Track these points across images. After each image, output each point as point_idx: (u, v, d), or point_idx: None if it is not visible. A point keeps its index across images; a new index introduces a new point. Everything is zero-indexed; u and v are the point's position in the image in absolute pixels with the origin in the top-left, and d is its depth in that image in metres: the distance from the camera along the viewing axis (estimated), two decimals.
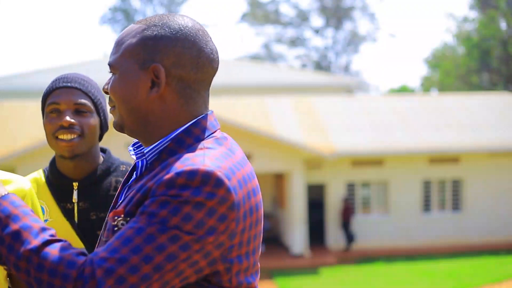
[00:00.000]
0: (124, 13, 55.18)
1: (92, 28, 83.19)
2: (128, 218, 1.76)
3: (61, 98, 2.69)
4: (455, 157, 23.29)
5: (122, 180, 2.71)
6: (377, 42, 66.88)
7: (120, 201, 1.91)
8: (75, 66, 32.02)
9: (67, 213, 2.75)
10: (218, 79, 30.54)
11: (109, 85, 1.88)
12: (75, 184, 2.76)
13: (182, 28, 1.84)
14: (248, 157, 20.86)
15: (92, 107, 2.72)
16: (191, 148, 1.80)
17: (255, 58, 52.68)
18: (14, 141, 21.28)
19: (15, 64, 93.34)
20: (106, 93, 1.91)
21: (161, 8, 55.76)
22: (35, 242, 1.71)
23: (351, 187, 23.32)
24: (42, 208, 2.77)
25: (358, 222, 23.11)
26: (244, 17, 55.51)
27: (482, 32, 41.11)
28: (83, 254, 1.73)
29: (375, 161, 22.97)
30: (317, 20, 66.37)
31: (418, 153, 22.66)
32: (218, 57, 1.91)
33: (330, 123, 23.88)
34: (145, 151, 1.86)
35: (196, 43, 1.84)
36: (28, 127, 22.03)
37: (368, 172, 23.11)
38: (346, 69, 54.29)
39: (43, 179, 2.84)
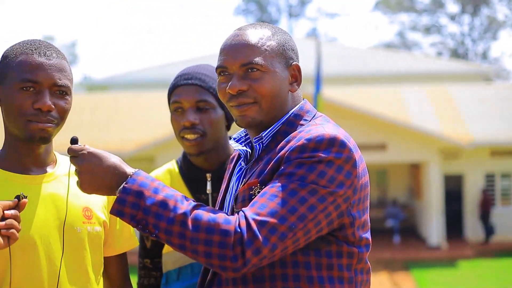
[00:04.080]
0: (257, 4, 55.70)
1: (227, 19, 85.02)
2: (263, 186, 2.00)
3: (183, 97, 2.73)
4: None
5: None
6: None
7: (240, 181, 2.16)
8: (208, 57, 32.66)
9: None
10: (352, 68, 30.33)
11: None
12: (208, 176, 2.79)
13: (289, 32, 2.09)
14: (383, 146, 20.67)
15: (214, 102, 2.74)
16: (304, 126, 2.09)
17: (389, 46, 51.95)
18: (153, 131, 21.91)
19: (154, 56, 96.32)
20: (241, 91, 2.08)
21: None
22: (185, 207, 1.91)
23: (490, 177, 22.65)
24: None
25: (498, 214, 22.40)
26: (378, 5, 54.86)
27: None
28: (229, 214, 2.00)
29: None
30: (452, 7, 64.70)
31: None
32: None
33: (467, 112, 23.27)
34: (263, 135, 2.12)
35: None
36: (167, 116, 22.60)
37: (508, 162, 22.37)
38: (484, 56, 52.64)
39: (177, 170, 2.88)
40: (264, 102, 2.09)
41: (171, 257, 2.76)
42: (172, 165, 2.91)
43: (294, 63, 2.15)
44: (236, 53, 2.09)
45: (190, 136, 2.72)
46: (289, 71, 2.14)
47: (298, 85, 2.17)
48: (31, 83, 2.17)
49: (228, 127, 2.84)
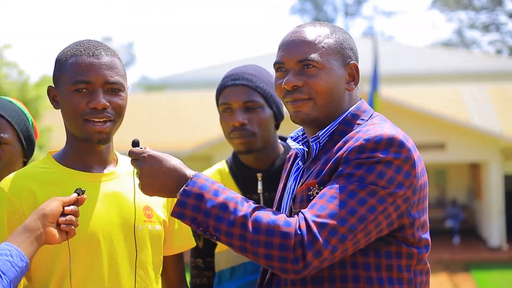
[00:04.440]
0: (313, 3, 55.55)
1: (283, 19, 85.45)
2: (321, 187, 1.99)
3: (231, 98, 2.75)
4: None
5: None
6: None
7: (297, 181, 2.15)
8: (264, 57, 32.62)
9: None
10: (410, 67, 30.03)
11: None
12: (259, 175, 2.80)
13: (348, 31, 2.15)
14: (442, 146, 20.41)
15: (262, 101, 2.75)
16: (361, 126, 2.08)
17: (447, 44, 51.29)
18: (210, 130, 21.99)
19: (212, 56, 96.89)
20: (296, 87, 2.08)
21: None
22: (245, 209, 1.92)
23: None
24: None
25: None
26: (435, 3, 54.21)
27: None
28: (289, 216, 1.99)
29: None
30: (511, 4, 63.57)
31: None
32: None
33: None
34: (319, 134, 2.11)
35: None
36: None
37: None
38: None
39: (227, 170, 2.90)
40: (319, 99, 2.09)
41: (224, 257, 2.77)
42: (222, 165, 2.93)
43: (352, 62, 2.15)
44: (293, 50, 2.10)
45: (239, 135, 2.74)
46: (347, 69, 2.14)
47: (356, 84, 2.16)
48: (84, 84, 2.20)
49: (277, 126, 2.85)
